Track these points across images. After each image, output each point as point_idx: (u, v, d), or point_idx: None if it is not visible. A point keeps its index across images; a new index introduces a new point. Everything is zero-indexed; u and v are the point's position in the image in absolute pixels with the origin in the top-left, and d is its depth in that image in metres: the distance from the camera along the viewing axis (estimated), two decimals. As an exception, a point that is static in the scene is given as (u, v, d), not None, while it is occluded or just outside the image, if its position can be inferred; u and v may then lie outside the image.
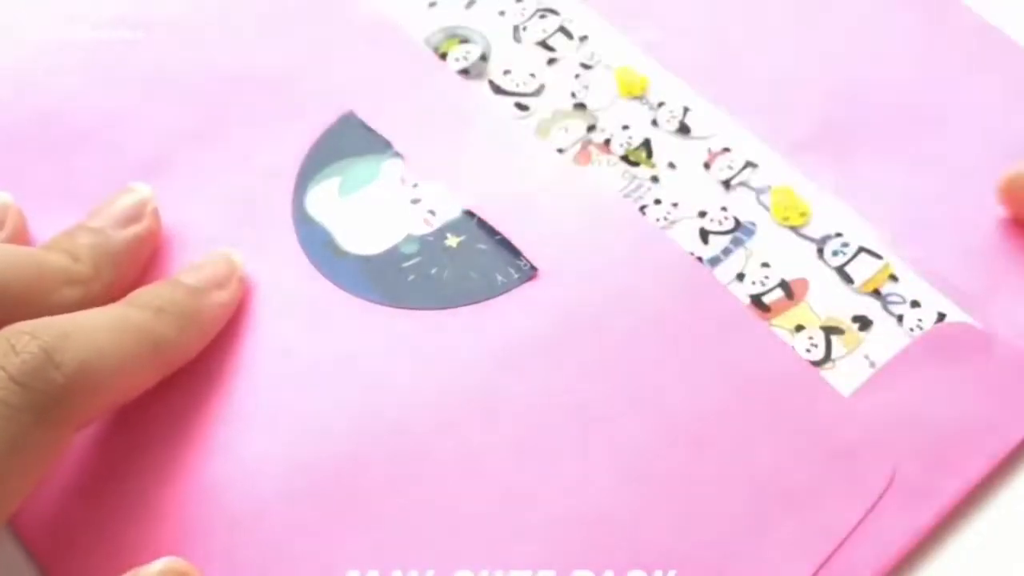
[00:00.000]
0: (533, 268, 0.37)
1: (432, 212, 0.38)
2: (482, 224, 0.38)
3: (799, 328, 0.36)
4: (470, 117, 0.41)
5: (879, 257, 0.37)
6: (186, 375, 0.35)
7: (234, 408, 0.35)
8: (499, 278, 0.37)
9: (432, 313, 0.37)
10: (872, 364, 0.35)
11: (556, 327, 0.36)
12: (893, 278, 0.37)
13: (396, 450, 0.34)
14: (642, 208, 0.39)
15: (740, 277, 0.37)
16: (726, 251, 0.38)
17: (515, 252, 0.37)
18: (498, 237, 0.38)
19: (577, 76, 0.41)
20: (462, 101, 0.41)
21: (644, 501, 0.33)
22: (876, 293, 0.37)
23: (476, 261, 0.37)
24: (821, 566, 0.32)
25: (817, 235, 0.38)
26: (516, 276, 0.37)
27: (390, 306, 0.37)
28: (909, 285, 0.37)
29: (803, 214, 0.38)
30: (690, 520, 0.33)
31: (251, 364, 0.36)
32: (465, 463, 0.34)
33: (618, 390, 0.35)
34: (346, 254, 0.38)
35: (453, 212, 0.38)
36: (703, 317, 0.36)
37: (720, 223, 0.38)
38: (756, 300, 0.37)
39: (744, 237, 0.38)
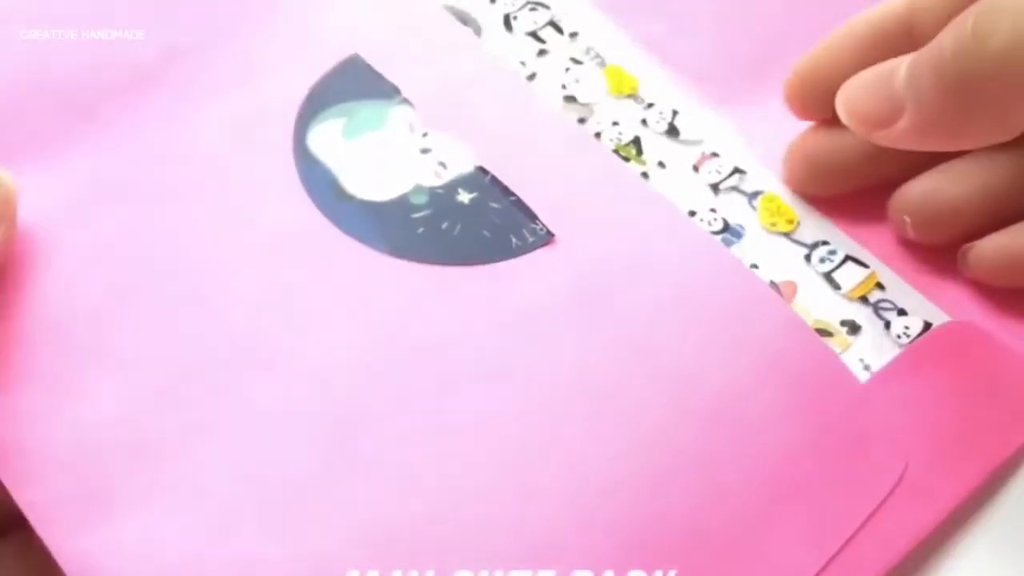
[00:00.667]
0: (550, 233, 0.36)
1: (443, 164, 0.37)
2: (495, 183, 0.37)
3: (789, 330, 0.36)
4: (482, 70, 0.39)
5: (866, 266, 0.37)
6: (177, 313, 0.33)
7: (226, 349, 0.33)
8: (513, 240, 0.36)
9: (442, 269, 0.35)
10: (867, 367, 0.35)
11: (572, 294, 0.35)
12: (880, 286, 0.37)
13: (398, 409, 0.32)
14: (637, 205, 0.38)
15: (730, 278, 0.37)
16: (715, 252, 0.37)
17: (530, 214, 0.36)
18: (512, 198, 0.36)
19: (567, 70, 0.41)
20: (474, 55, 0.40)
21: (654, 480, 0.32)
22: (863, 300, 0.37)
23: (489, 220, 0.36)
24: (831, 559, 0.31)
25: (805, 242, 0.38)
26: (531, 240, 0.36)
27: (397, 257, 0.35)
28: (896, 293, 0.37)
29: (790, 221, 0.38)
30: (701, 503, 0.32)
31: (245, 304, 0.34)
32: (470, 428, 0.32)
33: (632, 364, 0.34)
34: (351, 197, 0.36)
35: (465, 167, 0.37)
36: (725, 295, 0.35)
37: (710, 224, 0.38)
38: (746, 300, 0.36)
39: (733, 239, 0.38)
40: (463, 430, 0.32)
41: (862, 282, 0.37)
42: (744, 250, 0.37)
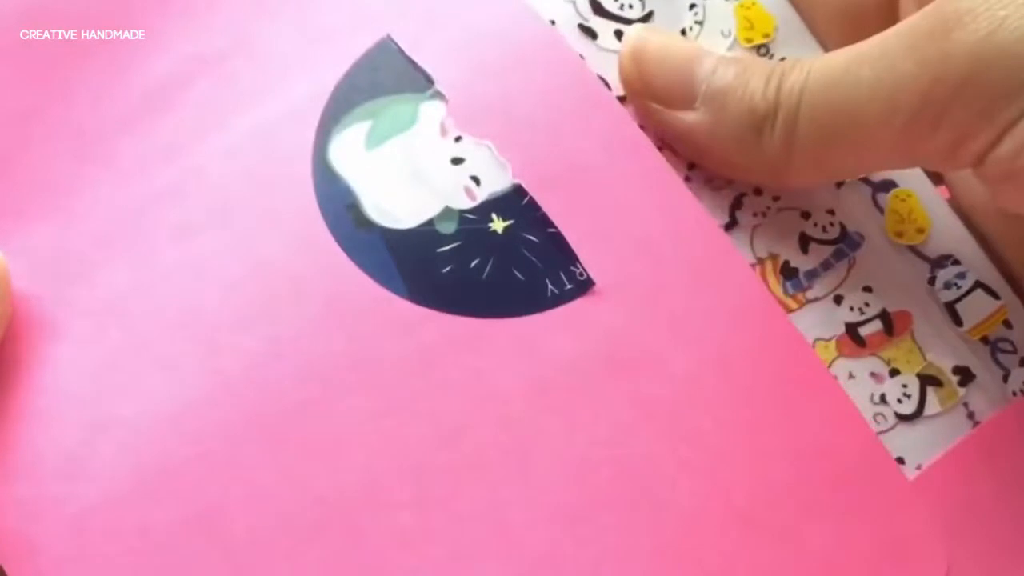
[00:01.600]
0: (589, 281, 0.31)
1: (476, 180, 0.31)
2: (533, 208, 0.31)
3: (894, 372, 0.32)
4: (536, 55, 0.32)
5: (996, 297, 0.33)
6: (188, 376, 0.30)
7: (230, 420, 0.30)
8: (549, 286, 0.31)
9: (465, 322, 0.30)
10: (971, 415, 0.32)
11: (608, 360, 0.31)
12: (1007, 324, 0.33)
13: (408, 489, 0.29)
14: (740, 197, 0.33)
15: (837, 300, 0.33)
16: (826, 264, 0.33)
17: (570, 255, 0.31)
18: (551, 230, 0.31)
19: (692, 7, 0.34)
20: (529, 33, 0.32)
21: None
22: (985, 340, 0.33)
23: (523, 258, 0.31)
24: None
25: (931, 256, 0.33)
26: (569, 287, 0.31)
27: (417, 303, 0.30)
28: (1024, 335, 0.33)
29: (921, 230, 0.33)
30: None
31: (255, 364, 0.30)
32: (487, 515, 0.30)
33: (667, 447, 0.30)
34: (371, 225, 0.31)
35: (501, 184, 0.31)
36: (774, 371, 0.31)
37: (824, 229, 0.33)
38: (851, 330, 0.33)
39: (848, 250, 0.33)
40: (478, 527, 0.30)
41: (988, 318, 0.33)
42: (859, 265, 0.33)
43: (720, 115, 0.31)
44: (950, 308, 0.33)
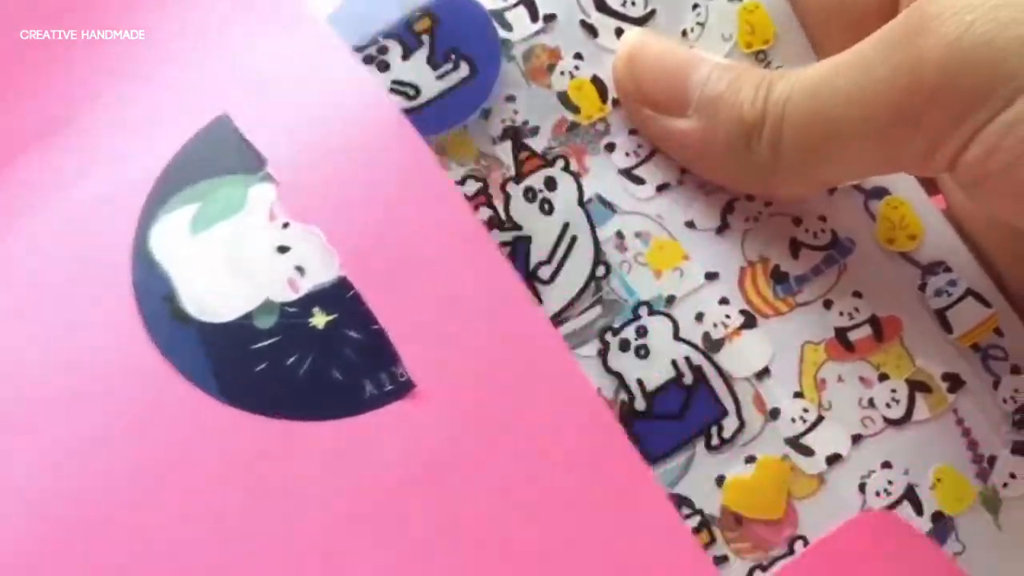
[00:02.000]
0: (410, 383, 0.29)
1: (300, 270, 0.30)
2: (358, 302, 0.29)
3: (883, 377, 0.32)
4: (376, 140, 0.31)
5: (988, 305, 0.33)
6: None
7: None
8: (368, 387, 0.29)
9: (277, 424, 0.28)
10: (966, 433, 0.32)
11: (422, 469, 0.29)
12: (998, 332, 0.33)
13: None
14: (731, 202, 0.33)
15: (827, 304, 0.33)
16: (816, 270, 0.33)
17: (391, 355, 0.29)
18: (375, 327, 0.29)
19: (695, 7, 0.34)
20: (371, 116, 0.31)
21: None
22: (975, 348, 0.33)
23: (343, 356, 0.29)
24: None
25: (922, 263, 0.33)
26: (389, 388, 0.29)
27: (230, 404, 0.28)
28: (1016, 343, 0.33)
29: (913, 237, 0.33)
30: None
31: (40, 465, 0.28)
32: None
33: (485, 561, 0.29)
34: (186, 318, 0.29)
35: (327, 275, 0.30)
36: (601, 482, 0.30)
37: (815, 235, 0.33)
38: (840, 335, 0.33)
39: (839, 256, 0.33)
40: None
41: (979, 325, 0.33)
42: (849, 271, 0.33)
43: (712, 123, 0.31)
44: (940, 315, 0.33)
